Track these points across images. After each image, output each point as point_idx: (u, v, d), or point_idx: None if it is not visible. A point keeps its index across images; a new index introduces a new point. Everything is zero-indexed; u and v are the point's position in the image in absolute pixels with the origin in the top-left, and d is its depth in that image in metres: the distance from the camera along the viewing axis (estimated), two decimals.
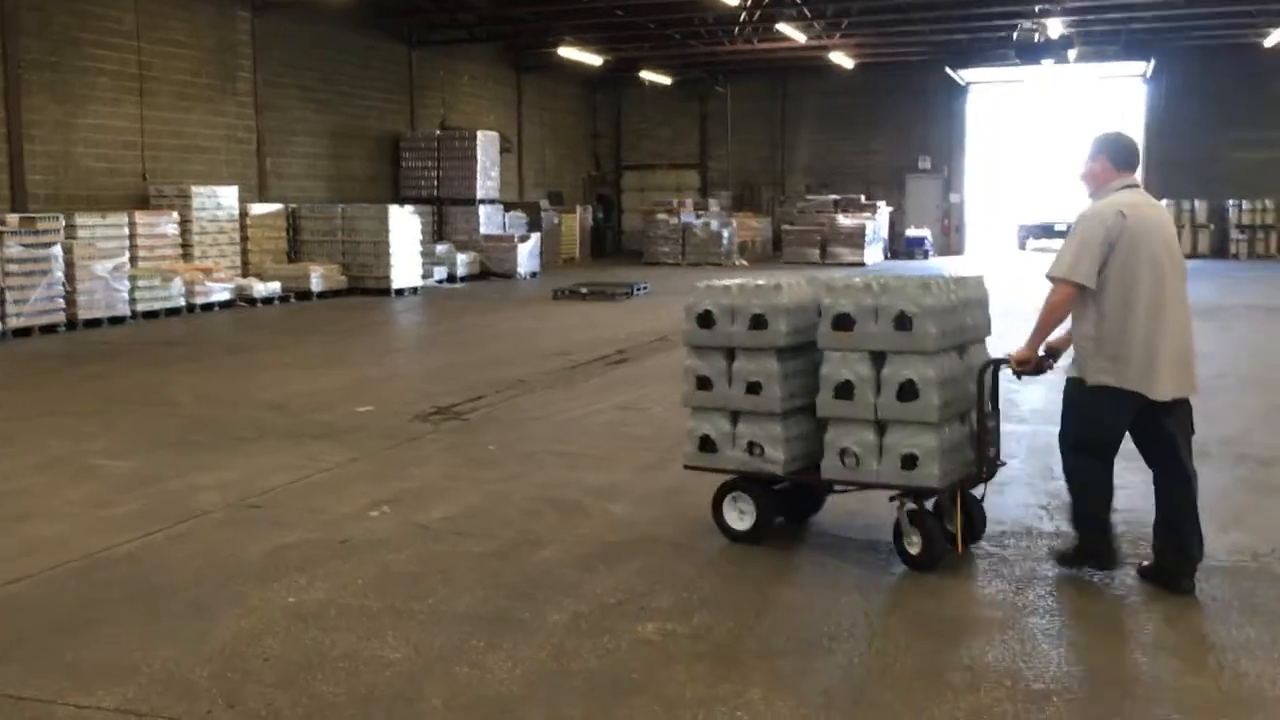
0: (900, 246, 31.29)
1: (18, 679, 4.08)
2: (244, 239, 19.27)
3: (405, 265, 20.52)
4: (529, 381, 10.76)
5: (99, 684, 4.04)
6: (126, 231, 16.38)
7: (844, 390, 5.16)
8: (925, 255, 30.84)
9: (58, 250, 14.65)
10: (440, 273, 22.33)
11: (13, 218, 14.43)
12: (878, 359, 5.13)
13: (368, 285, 20.14)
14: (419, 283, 20.91)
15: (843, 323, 5.17)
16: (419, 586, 5.08)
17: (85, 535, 5.84)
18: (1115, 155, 4.89)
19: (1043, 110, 33.69)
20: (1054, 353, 5.05)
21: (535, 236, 25.37)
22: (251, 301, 18.08)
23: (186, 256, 17.77)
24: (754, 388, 5.39)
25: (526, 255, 24.48)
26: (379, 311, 18.26)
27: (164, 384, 10.85)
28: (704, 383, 5.54)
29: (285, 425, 8.78)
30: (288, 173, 21.82)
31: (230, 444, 8.08)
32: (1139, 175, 5.02)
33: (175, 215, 17.54)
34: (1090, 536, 5.00)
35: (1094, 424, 4.85)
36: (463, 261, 23.27)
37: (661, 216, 30.03)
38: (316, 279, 19.36)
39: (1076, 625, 4.67)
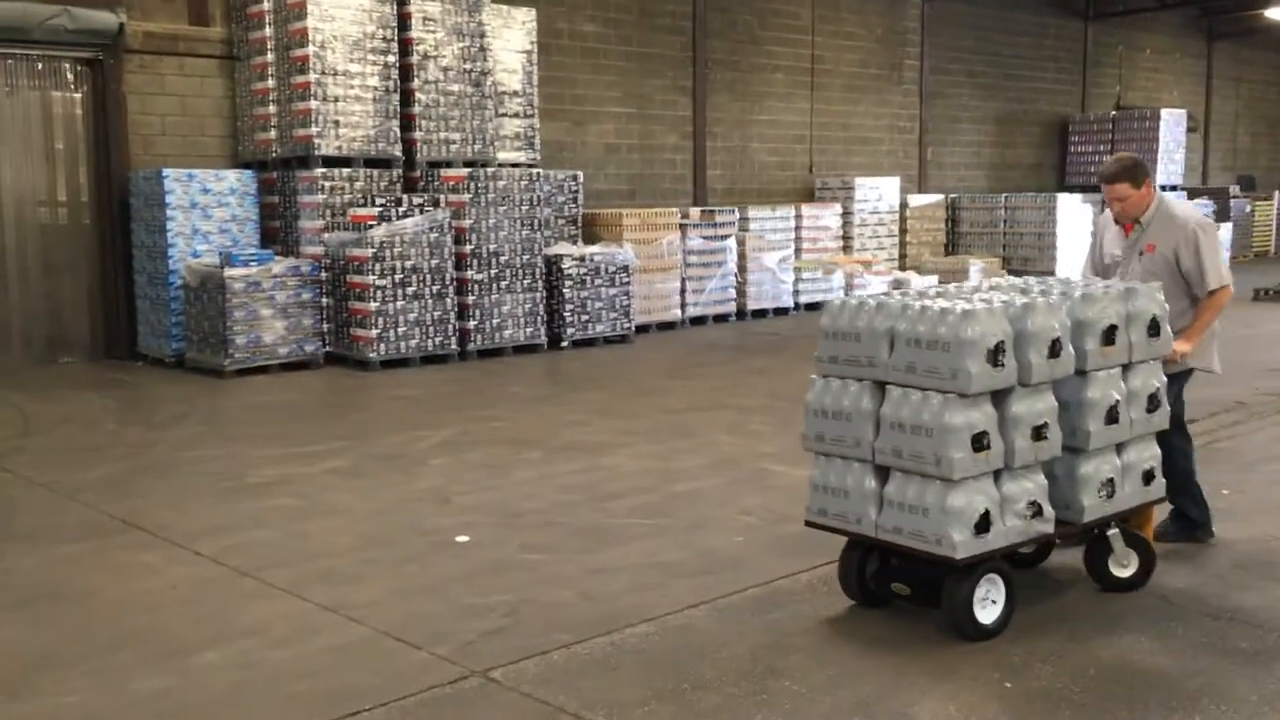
0: None
1: None
2: (902, 231, 18.83)
3: (1072, 258, 18.77)
4: (1251, 405, 8.85)
5: None
6: (792, 224, 16.61)
7: (1113, 414, 4.62)
8: None
9: (732, 242, 15.18)
10: None
11: (694, 211, 15.19)
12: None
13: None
14: None
15: (1110, 336, 4.59)
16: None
17: (760, 555, 5.39)
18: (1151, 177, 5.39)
19: None
20: None
21: (1224, 227, 22.11)
22: None
23: (846, 249, 17.71)
24: (1039, 432, 4.37)
25: None
26: None
27: None
28: (981, 441, 4.19)
29: None
30: (948, 162, 21.05)
31: None
32: None
33: (838, 207, 17.55)
34: (1200, 511, 5.47)
35: (1182, 405, 5.34)
36: None
37: None
38: (975, 272, 18.32)
39: None
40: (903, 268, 18.46)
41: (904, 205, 18.78)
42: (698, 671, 4.10)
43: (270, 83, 11.99)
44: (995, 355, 4.17)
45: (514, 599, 4.88)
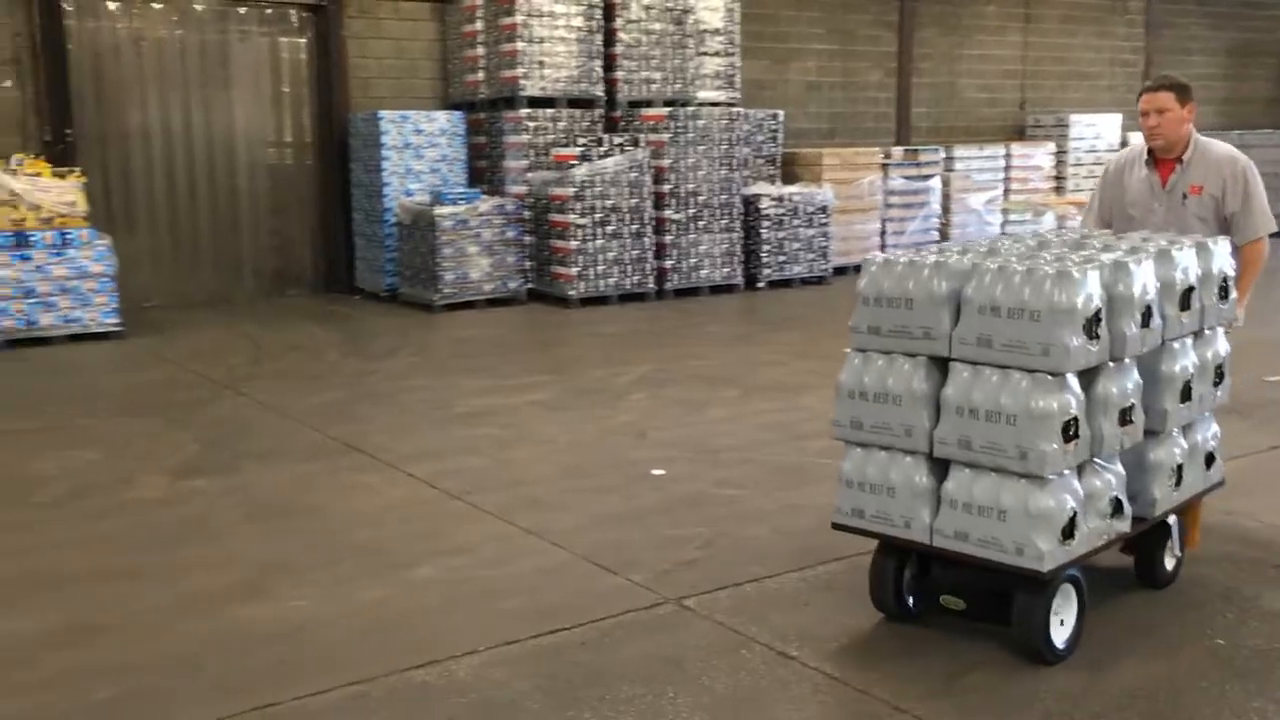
0: None
1: None
2: None
3: None
4: None
5: None
6: (1001, 163, 16.01)
7: (1187, 390, 4.03)
8: None
9: (936, 182, 14.78)
10: None
11: (897, 150, 14.83)
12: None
13: None
14: None
15: (1187, 299, 3.98)
16: None
17: None
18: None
19: None
20: None
21: None
22: None
23: (1058, 190, 16.95)
24: (1125, 415, 3.74)
25: None
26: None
27: None
28: (1070, 429, 3.51)
29: None
30: None
31: None
32: None
33: (1051, 146, 16.78)
34: None
35: None
36: None
37: None
38: None
39: None
40: None
41: (1124, 143, 17.77)
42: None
43: (478, 25, 12.31)
44: (1092, 326, 3.52)
45: (709, 532, 4.99)
